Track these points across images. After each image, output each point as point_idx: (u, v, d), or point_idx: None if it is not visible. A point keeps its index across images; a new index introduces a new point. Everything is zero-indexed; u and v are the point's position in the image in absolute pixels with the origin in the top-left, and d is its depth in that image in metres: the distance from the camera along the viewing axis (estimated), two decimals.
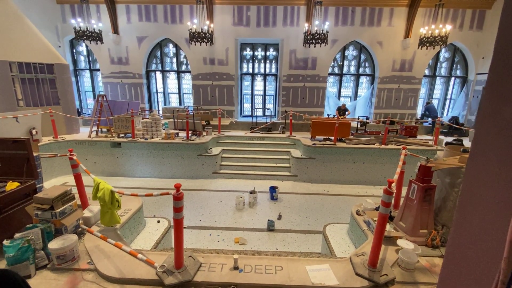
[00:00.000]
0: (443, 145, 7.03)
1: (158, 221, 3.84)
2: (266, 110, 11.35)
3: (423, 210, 2.87)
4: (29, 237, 2.36)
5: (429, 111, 10.04)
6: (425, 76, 10.85)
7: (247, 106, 11.80)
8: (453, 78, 11.14)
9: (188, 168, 7.48)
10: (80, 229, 2.90)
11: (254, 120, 10.30)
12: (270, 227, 4.87)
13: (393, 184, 2.21)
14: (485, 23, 9.93)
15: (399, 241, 2.72)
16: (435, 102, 11.28)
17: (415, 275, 2.42)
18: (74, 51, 11.34)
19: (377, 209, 3.53)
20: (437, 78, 11.17)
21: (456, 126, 9.03)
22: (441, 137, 8.09)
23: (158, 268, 2.30)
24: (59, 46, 10.59)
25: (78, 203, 3.04)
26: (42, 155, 4.21)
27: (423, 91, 11.27)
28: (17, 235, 2.39)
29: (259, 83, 11.42)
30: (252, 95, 11.51)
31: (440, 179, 3.10)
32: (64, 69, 8.00)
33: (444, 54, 10.87)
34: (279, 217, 5.32)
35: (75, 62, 11.44)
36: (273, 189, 6.15)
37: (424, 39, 8.53)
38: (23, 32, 7.31)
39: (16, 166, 2.99)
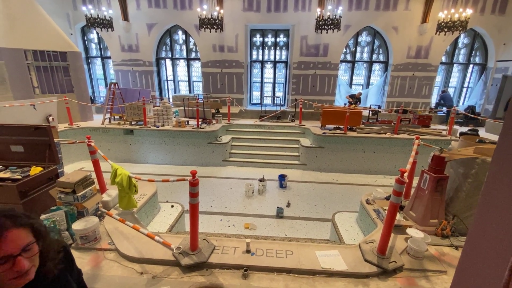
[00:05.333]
0: (458, 135, 6.87)
1: (172, 206, 3.99)
2: (275, 98, 11.27)
3: (435, 200, 2.87)
4: (54, 218, 2.52)
5: (444, 99, 9.73)
6: (441, 63, 10.45)
7: (256, 94, 11.73)
8: (471, 66, 10.69)
9: (199, 155, 7.62)
10: (100, 212, 3.06)
11: (264, 108, 10.27)
12: (279, 214, 4.98)
13: (405, 174, 2.21)
14: (508, 7, 9.37)
15: (408, 230, 2.75)
16: (451, 91, 10.90)
17: (424, 263, 2.46)
18: (86, 38, 11.43)
19: (387, 198, 3.55)
20: (455, 65, 10.74)
21: (472, 115, 8.76)
22: (455, 127, 7.88)
23: (175, 250, 2.42)
24: (71, 34, 10.69)
25: (97, 187, 3.18)
26: (62, 142, 4.38)
27: (439, 79, 10.89)
28: (43, 216, 2.55)
29: (268, 71, 11.28)
30: (262, 83, 11.41)
31: (453, 169, 3.07)
32: (76, 57, 8.12)
33: (463, 40, 10.39)
34: (288, 205, 5.41)
35: (86, 49, 11.55)
36: (282, 177, 6.22)
37: (442, 24, 8.16)
38: (36, 19, 7.40)
39: (38, 151, 3.14)
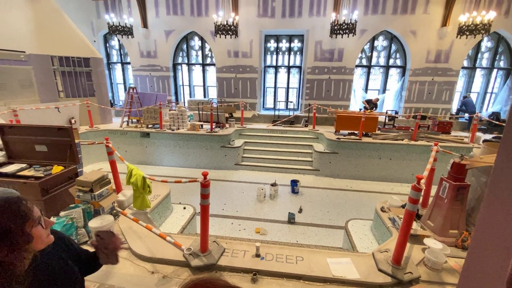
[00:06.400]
0: (481, 142, 6.54)
1: (184, 208, 4.04)
2: (289, 103, 11.24)
3: (454, 209, 2.73)
4: (72, 216, 2.62)
5: (466, 105, 9.31)
6: (463, 67, 10.04)
7: (269, 99, 11.77)
8: (495, 70, 10.19)
9: (212, 159, 7.70)
10: (115, 211, 3.15)
11: (277, 113, 10.26)
12: (291, 220, 4.91)
13: (423, 181, 2.13)
14: None
15: (426, 240, 2.63)
16: (473, 96, 10.43)
17: (442, 275, 2.34)
18: (107, 45, 11.98)
19: (403, 206, 3.42)
20: (477, 70, 10.29)
21: (497, 122, 8.31)
22: (478, 134, 7.51)
23: (185, 251, 2.45)
24: (94, 41, 11.23)
25: (113, 187, 3.29)
26: (82, 142, 4.58)
27: (460, 84, 10.46)
28: (62, 213, 2.66)
29: (282, 76, 11.30)
30: (275, 87, 11.44)
31: (475, 177, 2.92)
32: (98, 63, 8.52)
33: (486, 43, 9.96)
34: (300, 211, 5.34)
35: (108, 56, 12.09)
36: (294, 183, 6.15)
37: (463, 27, 7.86)
38: (63, 28, 7.85)
39: (60, 151, 3.29)
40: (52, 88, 7.79)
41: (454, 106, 10.48)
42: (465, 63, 10.09)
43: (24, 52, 7.02)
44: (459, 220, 2.75)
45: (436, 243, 2.55)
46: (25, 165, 3.23)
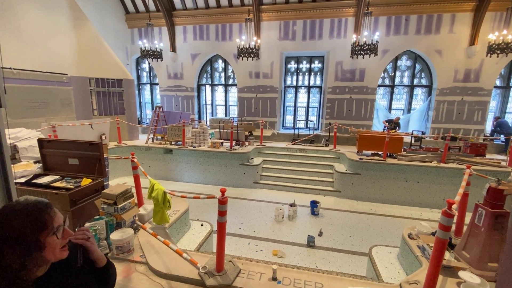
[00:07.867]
0: None
1: (202, 225, 4.04)
2: (308, 122, 11.20)
3: (493, 239, 2.47)
4: (96, 227, 2.72)
5: (502, 126, 8.69)
6: (496, 87, 9.51)
7: (289, 118, 11.82)
8: None
9: (230, 176, 7.74)
10: (135, 224, 3.22)
11: (296, 132, 10.24)
12: (310, 243, 4.71)
13: (454, 206, 1.97)
14: None
15: (461, 273, 2.38)
16: (509, 117, 9.73)
17: None
18: (139, 67, 12.95)
19: (433, 234, 3.16)
20: None
21: None
22: None
23: (201, 269, 2.41)
24: (127, 64, 12.20)
25: (135, 201, 3.39)
26: (110, 157, 4.84)
27: (493, 104, 9.86)
28: (87, 224, 2.77)
29: (302, 95, 11.39)
30: (295, 107, 11.51)
31: None
32: (130, 84, 9.18)
33: None
34: (320, 234, 5.11)
35: (138, 77, 13.03)
36: (314, 204, 5.96)
37: (493, 46, 7.54)
38: (101, 53, 8.66)
39: (90, 165, 3.50)
40: (87, 106, 8.47)
41: (488, 127, 9.83)
42: (498, 82, 9.56)
43: (66, 74, 7.76)
44: (499, 252, 2.47)
45: (473, 277, 2.29)
46: (58, 176, 3.46)
